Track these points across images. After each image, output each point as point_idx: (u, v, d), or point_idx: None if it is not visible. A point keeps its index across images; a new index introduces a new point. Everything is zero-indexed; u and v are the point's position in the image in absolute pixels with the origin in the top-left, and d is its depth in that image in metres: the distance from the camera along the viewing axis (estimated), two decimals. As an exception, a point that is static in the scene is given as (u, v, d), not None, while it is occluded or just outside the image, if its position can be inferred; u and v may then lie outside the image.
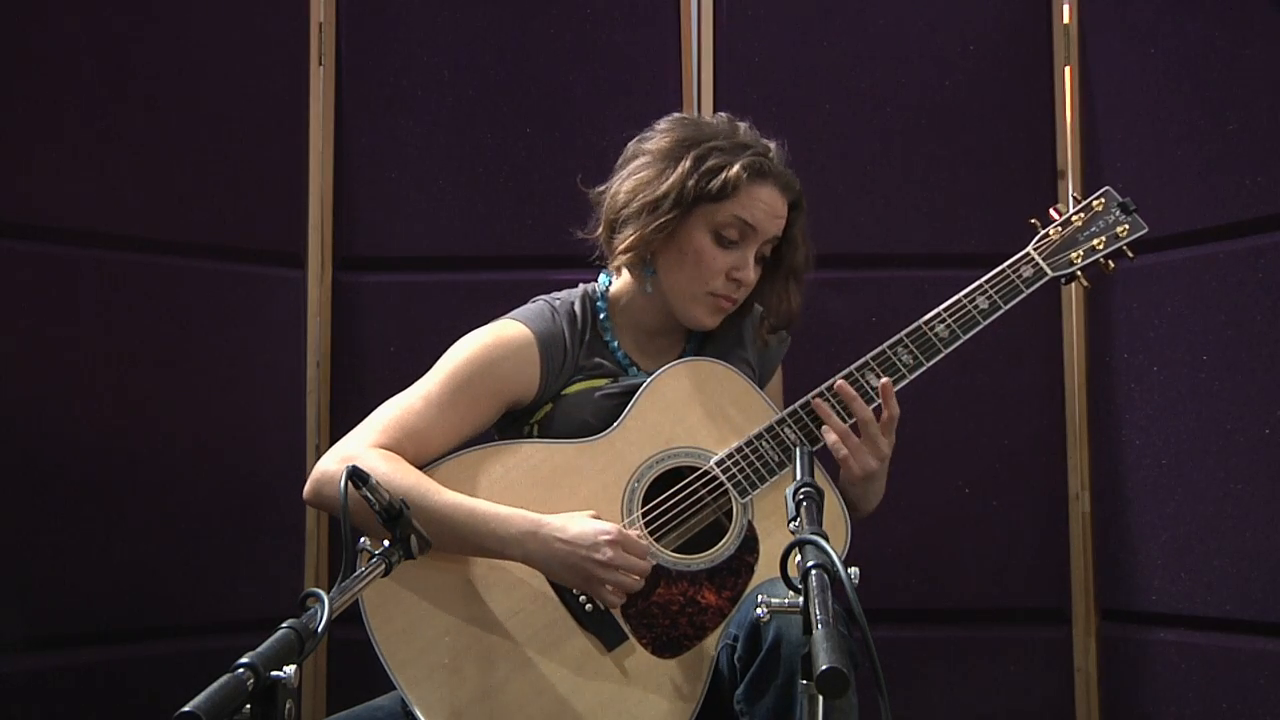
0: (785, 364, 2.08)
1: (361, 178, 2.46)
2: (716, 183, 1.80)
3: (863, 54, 2.47)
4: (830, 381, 1.84)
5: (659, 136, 1.89)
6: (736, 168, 1.81)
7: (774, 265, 1.92)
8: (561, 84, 2.46)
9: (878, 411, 1.83)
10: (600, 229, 1.91)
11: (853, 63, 2.46)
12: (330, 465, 1.76)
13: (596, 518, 1.74)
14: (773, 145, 1.91)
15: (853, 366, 1.86)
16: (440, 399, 1.81)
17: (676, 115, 1.95)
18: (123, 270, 2.25)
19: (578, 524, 1.72)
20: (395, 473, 1.73)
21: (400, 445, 1.77)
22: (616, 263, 1.88)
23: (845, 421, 1.82)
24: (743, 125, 1.91)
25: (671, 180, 1.82)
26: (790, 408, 1.85)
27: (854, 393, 1.82)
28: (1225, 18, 2.23)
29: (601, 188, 1.94)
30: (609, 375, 1.90)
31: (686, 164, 1.82)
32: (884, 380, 1.82)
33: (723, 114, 1.94)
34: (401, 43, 2.47)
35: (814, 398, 1.84)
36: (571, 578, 1.72)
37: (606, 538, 1.70)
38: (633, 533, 1.75)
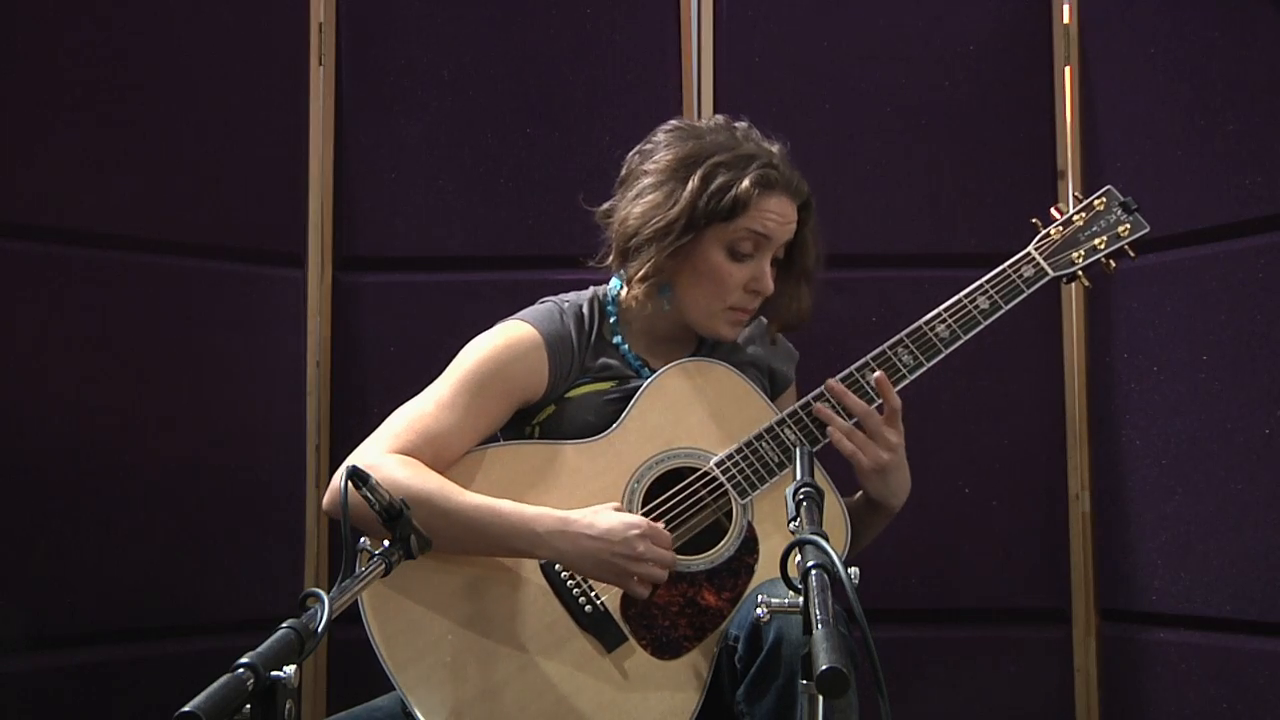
0: (796, 380, 2.08)
1: (361, 178, 2.46)
2: (727, 201, 1.79)
3: (863, 54, 2.46)
4: (820, 388, 1.84)
5: (661, 151, 1.86)
6: (746, 183, 1.80)
7: (785, 267, 1.91)
8: (561, 84, 2.46)
9: (881, 408, 1.83)
10: (612, 256, 1.90)
11: (853, 63, 2.46)
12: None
13: (619, 509, 1.74)
14: (776, 148, 1.89)
15: (853, 367, 1.86)
16: (454, 402, 1.81)
17: (675, 124, 1.92)
18: (123, 270, 2.25)
19: (605, 519, 1.71)
20: (416, 477, 1.72)
21: (418, 450, 1.77)
22: (636, 289, 1.86)
23: (848, 420, 1.83)
24: (740, 127, 1.89)
25: (682, 204, 1.80)
26: (790, 408, 1.85)
27: (845, 389, 1.83)
28: (1225, 18, 2.23)
29: (605, 206, 1.93)
30: (615, 377, 1.89)
31: (695, 184, 1.80)
32: (877, 374, 1.83)
33: (719, 117, 1.92)
34: (401, 43, 2.46)
35: (813, 401, 1.84)
36: (602, 573, 1.72)
37: (636, 531, 1.70)
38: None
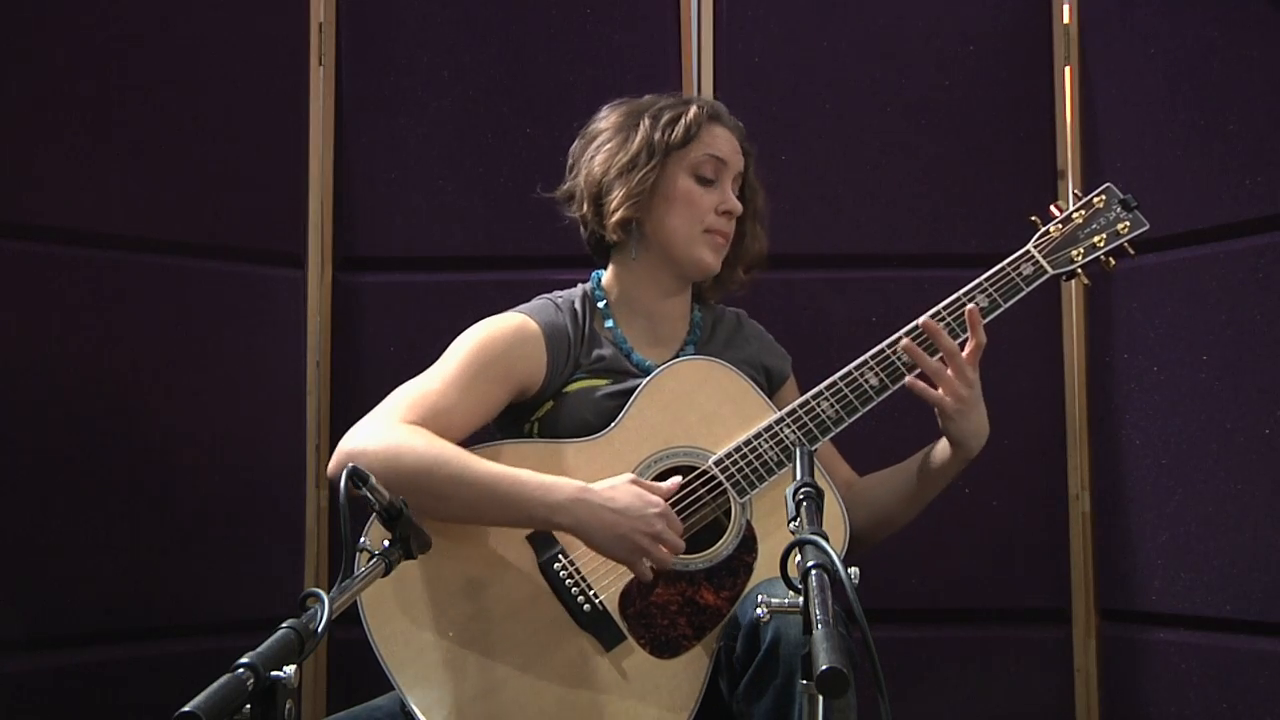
0: (796, 375, 2.08)
1: (361, 178, 2.46)
2: (680, 129, 1.91)
3: (863, 54, 2.46)
4: (913, 324, 1.86)
5: (605, 119, 2.00)
6: (693, 112, 1.94)
7: (741, 208, 1.99)
8: (561, 84, 2.46)
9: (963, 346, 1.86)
10: (586, 207, 1.96)
11: (853, 63, 2.46)
12: (357, 442, 1.73)
13: (635, 481, 1.74)
14: (708, 99, 2.06)
15: (852, 365, 1.86)
16: (458, 380, 1.82)
17: (609, 104, 2.03)
18: (122, 270, 2.25)
19: (625, 493, 1.71)
20: (433, 445, 1.72)
21: (425, 423, 1.77)
22: (614, 218, 1.90)
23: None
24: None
25: (639, 140, 1.92)
26: (789, 407, 1.85)
27: (939, 327, 1.85)
28: (1225, 18, 2.23)
29: (564, 186, 2.02)
30: (611, 369, 1.90)
31: (646, 122, 1.93)
32: (969, 308, 1.85)
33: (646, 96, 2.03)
34: (401, 43, 2.47)
35: (902, 337, 1.85)
36: (616, 548, 1.71)
37: (655, 510, 1.70)
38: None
